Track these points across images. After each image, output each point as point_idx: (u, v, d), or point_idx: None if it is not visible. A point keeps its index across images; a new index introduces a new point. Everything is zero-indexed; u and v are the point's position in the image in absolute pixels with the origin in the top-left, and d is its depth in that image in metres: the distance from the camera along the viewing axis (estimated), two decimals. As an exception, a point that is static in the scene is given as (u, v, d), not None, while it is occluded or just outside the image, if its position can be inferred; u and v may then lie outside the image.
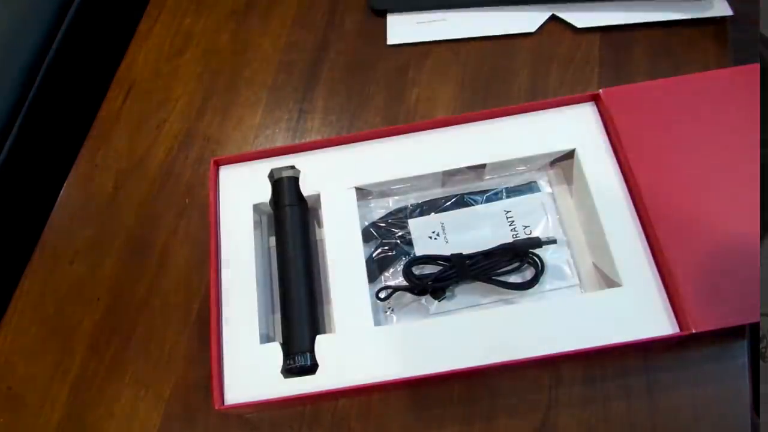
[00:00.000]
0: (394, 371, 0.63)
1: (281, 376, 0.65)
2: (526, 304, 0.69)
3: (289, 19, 0.96)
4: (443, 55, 0.91)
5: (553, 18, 0.90)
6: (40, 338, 0.77)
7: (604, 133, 0.73)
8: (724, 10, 0.85)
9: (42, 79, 0.94)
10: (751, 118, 0.70)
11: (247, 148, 0.87)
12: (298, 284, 0.70)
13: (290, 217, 0.73)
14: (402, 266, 0.72)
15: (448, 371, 0.62)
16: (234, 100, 0.92)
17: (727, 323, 0.62)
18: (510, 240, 0.73)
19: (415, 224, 0.75)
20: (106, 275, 0.80)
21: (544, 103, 0.75)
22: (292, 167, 0.76)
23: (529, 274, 0.71)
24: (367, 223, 0.76)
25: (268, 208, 0.76)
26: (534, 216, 0.74)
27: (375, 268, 0.74)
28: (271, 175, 0.76)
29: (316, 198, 0.74)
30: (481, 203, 0.76)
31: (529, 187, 0.76)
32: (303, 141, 0.86)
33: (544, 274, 0.70)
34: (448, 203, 0.76)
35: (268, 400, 0.64)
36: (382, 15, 0.94)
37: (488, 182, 0.78)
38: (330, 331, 0.69)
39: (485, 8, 0.92)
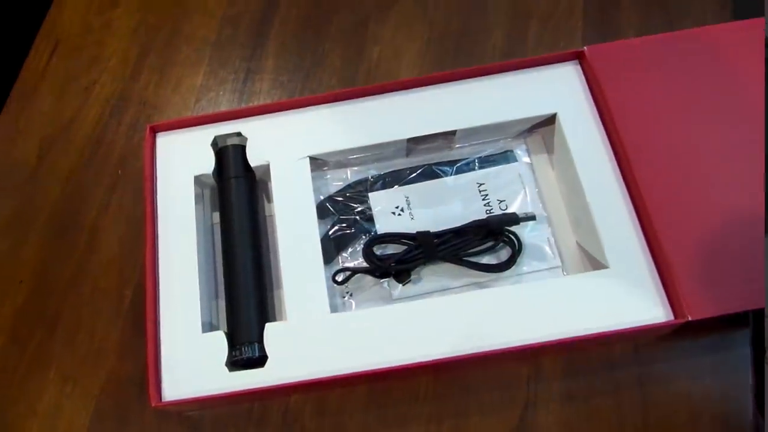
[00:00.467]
0: (352, 364, 0.62)
1: (226, 369, 0.63)
2: (501, 288, 0.66)
3: (235, -34, 0.95)
4: (408, 8, 0.89)
5: (532, -35, 0.89)
6: (-47, 325, 0.75)
7: (589, 95, 0.72)
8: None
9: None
10: (754, 80, 0.69)
11: (188, 113, 0.86)
12: (244, 266, 0.69)
13: (236, 190, 0.72)
14: (362, 246, 0.71)
15: (413, 364, 0.61)
16: (173, 59, 0.90)
17: (727, 310, 0.60)
18: (483, 216, 0.71)
19: (376, 198, 0.74)
20: (28, 255, 0.78)
21: (522, 63, 0.74)
22: (238, 134, 0.74)
23: (504, 254, 0.70)
24: (322, 197, 0.75)
25: (212, 181, 0.74)
26: (510, 189, 0.73)
27: (331, 247, 0.72)
28: (214, 143, 0.74)
29: (265, 169, 0.73)
30: (451, 175, 0.75)
31: (505, 157, 0.75)
32: (250, 105, 0.82)
33: (521, 255, 0.69)
34: (414, 175, 0.75)
35: (210, 395, 0.62)
36: (340, -39, 0.93)
37: (459, 151, 0.76)
38: (281, 319, 0.68)
39: (455, -46, 0.90)
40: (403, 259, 0.68)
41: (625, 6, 0.85)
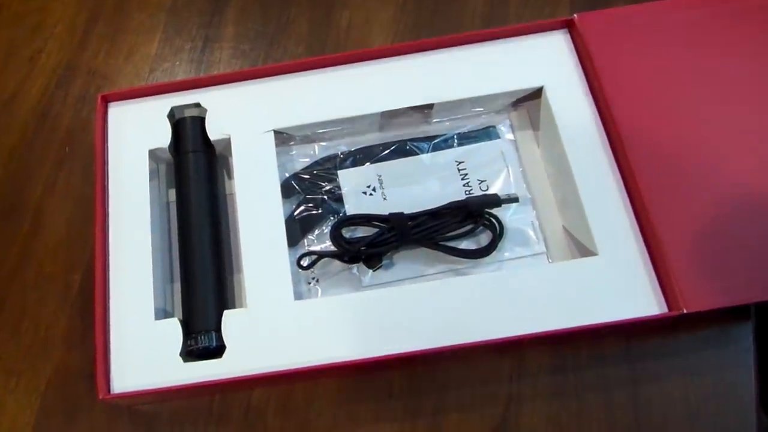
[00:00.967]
0: (319, 356, 0.61)
1: (180, 359, 0.63)
2: (481, 276, 0.66)
3: None
4: (381, -31, 0.90)
5: None
6: None
7: (579, 67, 0.72)
8: None
9: None
10: (760, 51, 0.69)
11: (141, 83, 0.84)
12: (202, 248, 0.68)
13: (194, 165, 0.71)
14: (329, 227, 0.71)
15: (385, 356, 0.60)
16: (124, 26, 0.88)
17: (726, 302, 0.60)
18: (462, 197, 0.70)
19: (346, 176, 0.73)
20: (-34, 238, 0.78)
21: (505, 31, 0.73)
22: (197, 105, 0.73)
23: (484, 239, 0.69)
24: (287, 175, 0.74)
25: (168, 155, 0.73)
26: (492, 168, 0.73)
27: (297, 229, 0.72)
28: (171, 115, 0.73)
29: (226, 143, 0.72)
30: (428, 152, 0.74)
31: (486, 133, 0.75)
32: (211, 74, 0.83)
33: (503, 239, 0.68)
34: (387, 152, 0.74)
35: (164, 388, 0.61)
36: None
37: (436, 126, 0.76)
38: (240, 306, 0.68)
39: None
40: (374, 243, 0.67)
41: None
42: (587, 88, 0.70)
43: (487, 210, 0.68)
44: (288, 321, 0.63)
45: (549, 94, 0.70)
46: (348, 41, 0.84)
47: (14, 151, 0.81)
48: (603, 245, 0.63)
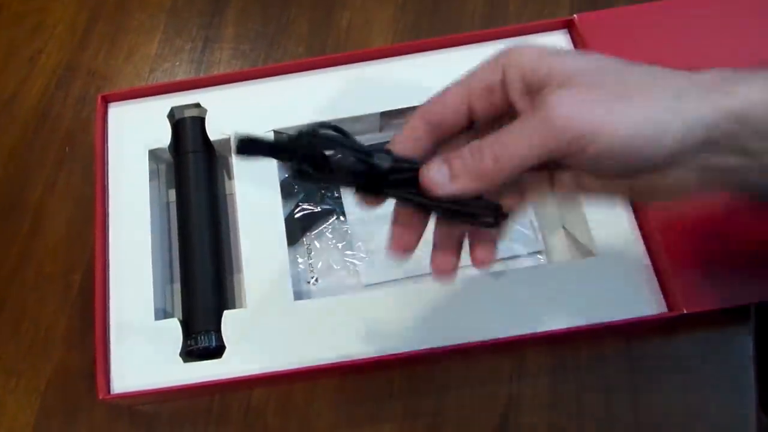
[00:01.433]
0: (318, 356, 0.61)
1: (180, 359, 0.63)
2: (481, 276, 0.65)
3: None
4: (381, -31, 0.89)
5: None
6: None
7: None
8: None
9: None
10: (761, 51, 0.68)
11: (141, 84, 0.84)
12: (202, 248, 0.68)
13: (194, 165, 0.71)
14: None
15: (385, 356, 0.60)
16: (125, 26, 0.89)
17: (726, 303, 0.60)
18: None
19: None
20: (-33, 238, 0.77)
21: (505, 31, 0.74)
22: (197, 105, 0.73)
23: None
24: (287, 175, 0.74)
25: (168, 155, 0.74)
26: None
27: (296, 228, 0.72)
28: (171, 115, 0.74)
29: (226, 143, 0.72)
30: None
31: None
32: (211, 74, 0.82)
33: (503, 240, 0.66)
34: None
35: (164, 388, 0.61)
36: None
37: None
38: (240, 306, 0.68)
39: None
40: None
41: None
42: (587, 88, 0.71)
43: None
44: (288, 321, 0.63)
45: (549, 93, 0.70)
46: (348, 41, 0.84)
47: (14, 151, 0.81)
48: (602, 245, 0.64)
